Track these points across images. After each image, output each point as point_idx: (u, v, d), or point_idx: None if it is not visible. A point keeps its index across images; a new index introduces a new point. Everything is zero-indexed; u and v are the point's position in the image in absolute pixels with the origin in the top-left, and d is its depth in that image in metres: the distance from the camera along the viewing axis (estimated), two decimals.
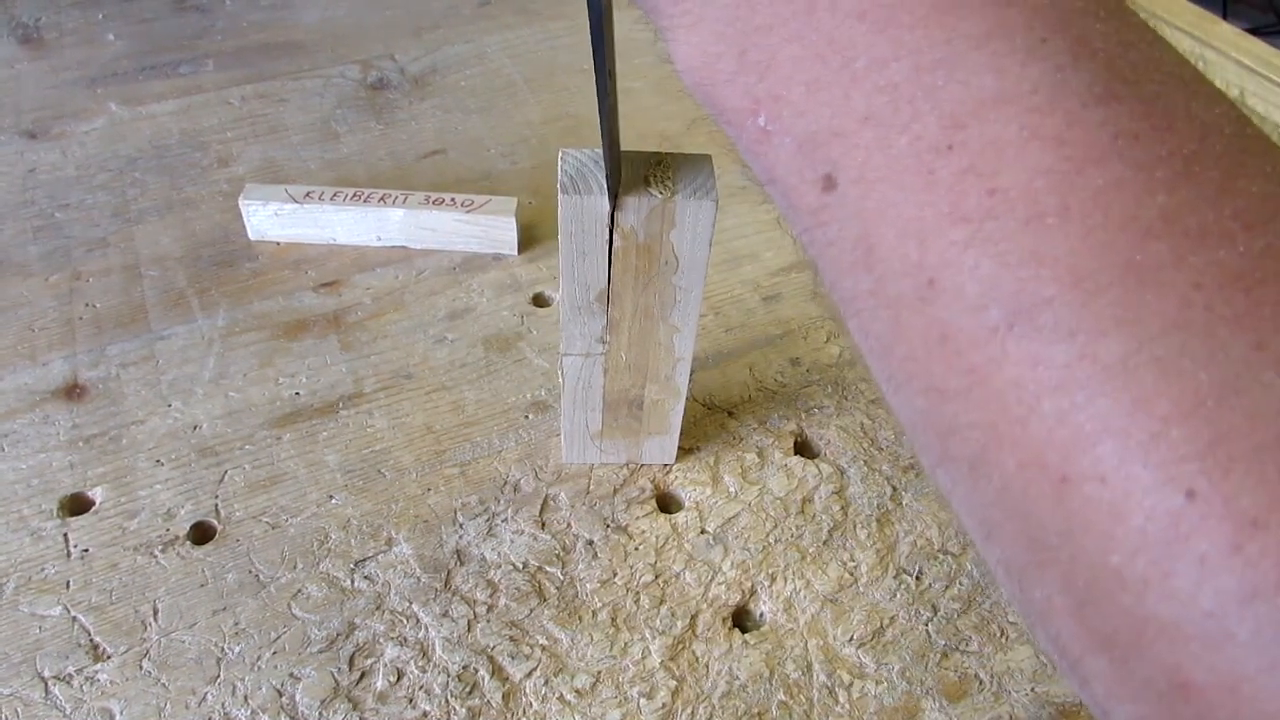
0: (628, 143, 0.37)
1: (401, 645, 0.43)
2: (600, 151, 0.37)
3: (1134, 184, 0.17)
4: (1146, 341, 0.16)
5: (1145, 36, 0.19)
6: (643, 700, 0.42)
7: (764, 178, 0.23)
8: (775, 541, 0.47)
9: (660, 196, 0.37)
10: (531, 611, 0.44)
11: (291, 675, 0.42)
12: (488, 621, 0.44)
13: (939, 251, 0.18)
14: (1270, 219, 0.16)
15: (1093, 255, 0.17)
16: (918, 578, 0.47)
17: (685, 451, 0.51)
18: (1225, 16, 0.93)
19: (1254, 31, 0.88)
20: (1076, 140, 0.17)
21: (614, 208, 0.37)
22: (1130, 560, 0.16)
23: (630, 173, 0.37)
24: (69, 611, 0.43)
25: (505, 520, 0.48)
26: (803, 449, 0.52)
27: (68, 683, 0.41)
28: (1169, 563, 0.16)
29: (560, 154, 0.38)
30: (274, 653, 0.42)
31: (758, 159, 0.22)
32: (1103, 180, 0.17)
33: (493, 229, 0.61)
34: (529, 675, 0.42)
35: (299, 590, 0.45)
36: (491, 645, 0.43)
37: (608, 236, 0.38)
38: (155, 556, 0.45)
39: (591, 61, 0.32)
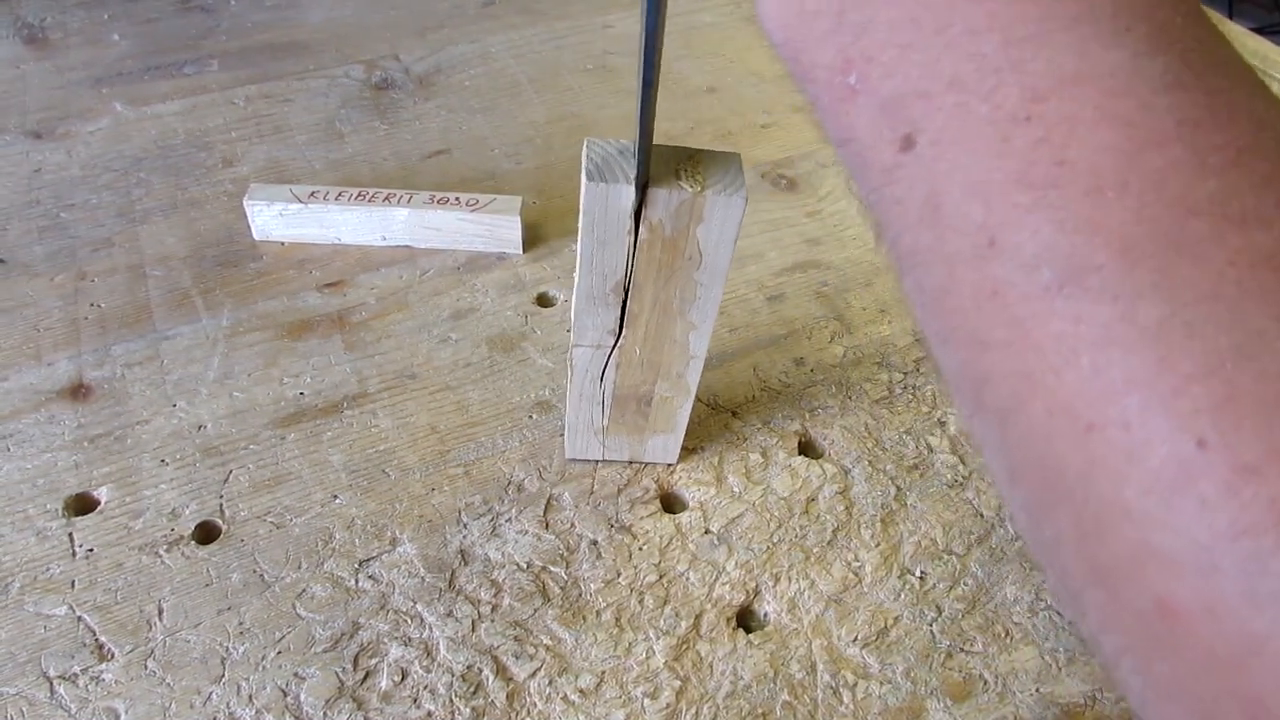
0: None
1: (406, 645, 0.43)
2: (628, 144, 0.37)
3: (1188, 167, 0.18)
4: (1180, 308, 0.18)
5: (1216, 36, 0.20)
6: (647, 700, 0.42)
7: (841, 136, 0.24)
8: (779, 542, 0.47)
9: (691, 191, 0.37)
10: (535, 611, 0.44)
11: (296, 675, 0.42)
12: (492, 621, 0.44)
13: (1003, 213, 0.20)
14: None
15: (1142, 228, 0.18)
16: (922, 578, 0.47)
17: (689, 451, 0.51)
18: (1230, 16, 0.93)
19: (1259, 31, 0.88)
20: (1144, 123, 0.19)
21: (641, 200, 0.37)
22: (1141, 497, 0.18)
23: (661, 166, 0.37)
24: (74, 611, 0.43)
25: (509, 520, 0.48)
26: (807, 449, 0.52)
27: (73, 682, 0.41)
28: (1174, 499, 0.18)
29: (586, 142, 0.38)
30: (278, 652, 0.42)
31: (839, 117, 0.23)
32: (1161, 161, 0.18)
33: (497, 228, 0.61)
34: (533, 675, 0.42)
35: (303, 590, 0.45)
36: (495, 645, 0.43)
37: (630, 226, 0.38)
38: (160, 556, 0.46)
39: (638, 64, 0.32)
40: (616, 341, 0.43)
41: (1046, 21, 0.20)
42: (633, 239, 0.38)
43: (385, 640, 0.43)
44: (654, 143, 0.37)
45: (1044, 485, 0.21)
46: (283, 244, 0.62)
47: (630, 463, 0.50)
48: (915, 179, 0.22)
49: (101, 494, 0.48)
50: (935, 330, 0.23)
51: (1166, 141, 0.19)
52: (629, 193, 0.37)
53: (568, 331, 0.47)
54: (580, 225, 0.38)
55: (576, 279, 0.41)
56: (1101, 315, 0.19)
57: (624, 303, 0.41)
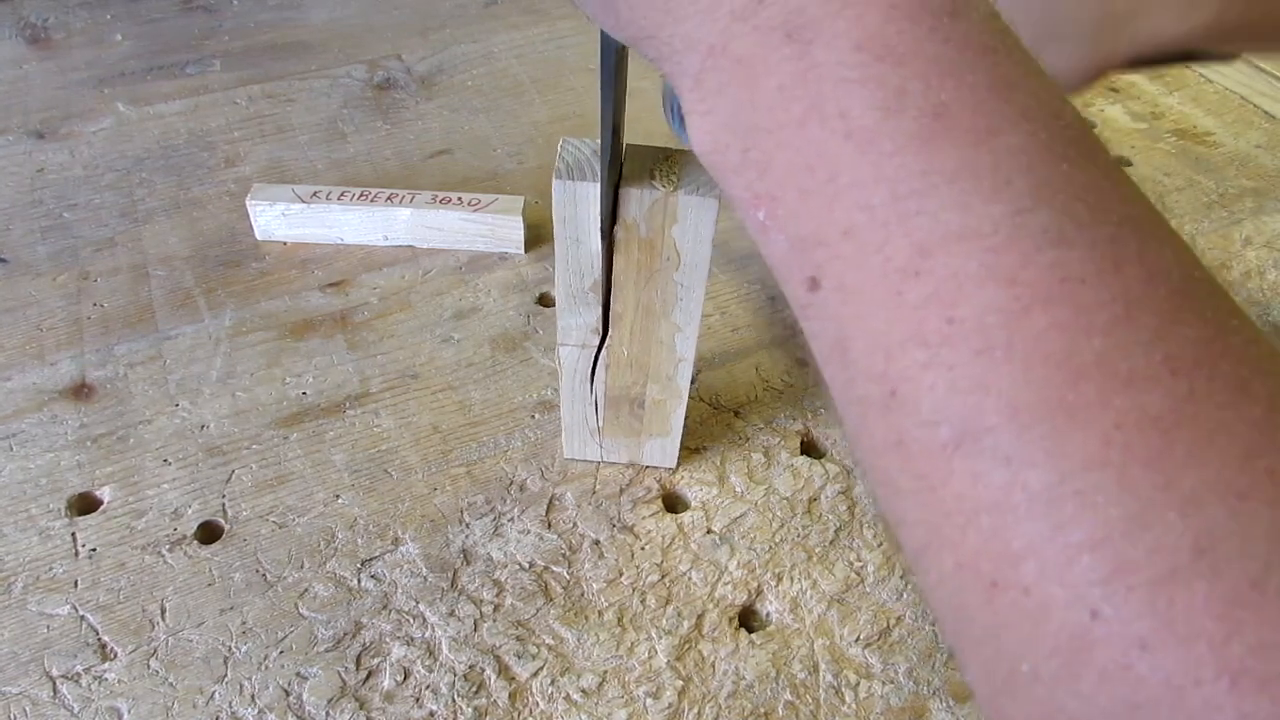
0: (635, 141, 0.37)
1: (408, 645, 0.43)
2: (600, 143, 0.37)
3: (1074, 327, 0.18)
4: (1069, 475, 0.18)
5: (1110, 178, 0.20)
6: (649, 700, 0.42)
7: (767, 262, 0.24)
8: (782, 541, 0.47)
9: (663, 190, 0.37)
10: (538, 611, 0.44)
11: (298, 674, 0.42)
12: (494, 621, 0.44)
13: (901, 367, 0.20)
14: (1197, 364, 0.18)
15: (1030, 390, 0.18)
16: None
17: (691, 451, 0.51)
18: None
19: None
20: (1027, 280, 0.19)
21: (616, 199, 0.37)
22: (1045, 661, 0.18)
23: (636, 165, 0.38)
24: (77, 611, 0.44)
25: (512, 520, 0.48)
26: (809, 449, 0.52)
27: (75, 682, 0.41)
28: (1076, 668, 0.18)
29: (561, 142, 0.38)
30: (281, 652, 0.42)
31: (760, 247, 0.24)
32: (1046, 322, 0.18)
33: (499, 228, 0.61)
34: (535, 675, 0.42)
35: (306, 590, 0.45)
36: (498, 645, 0.43)
37: (600, 223, 0.38)
38: (163, 556, 0.46)
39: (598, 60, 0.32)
40: (602, 341, 0.43)
41: (929, 175, 0.20)
42: (603, 237, 0.39)
43: (388, 640, 0.43)
44: (633, 143, 0.37)
45: (958, 634, 0.21)
46: (285, 244, 0.62)
47: (632, 462, 0.50)
48: (825, 319, 0.22)
49: (104, 494, 0.48)
50: (855, 460, 0.23)
51: (1051, 300, 0.18)
52: (595, 191, 0.37)
53: None
54: (554, 224, 0.38)
55: (556, 278, 0.41)
56: (996, 478, 0.19)
57: (606, 302, 0.41)
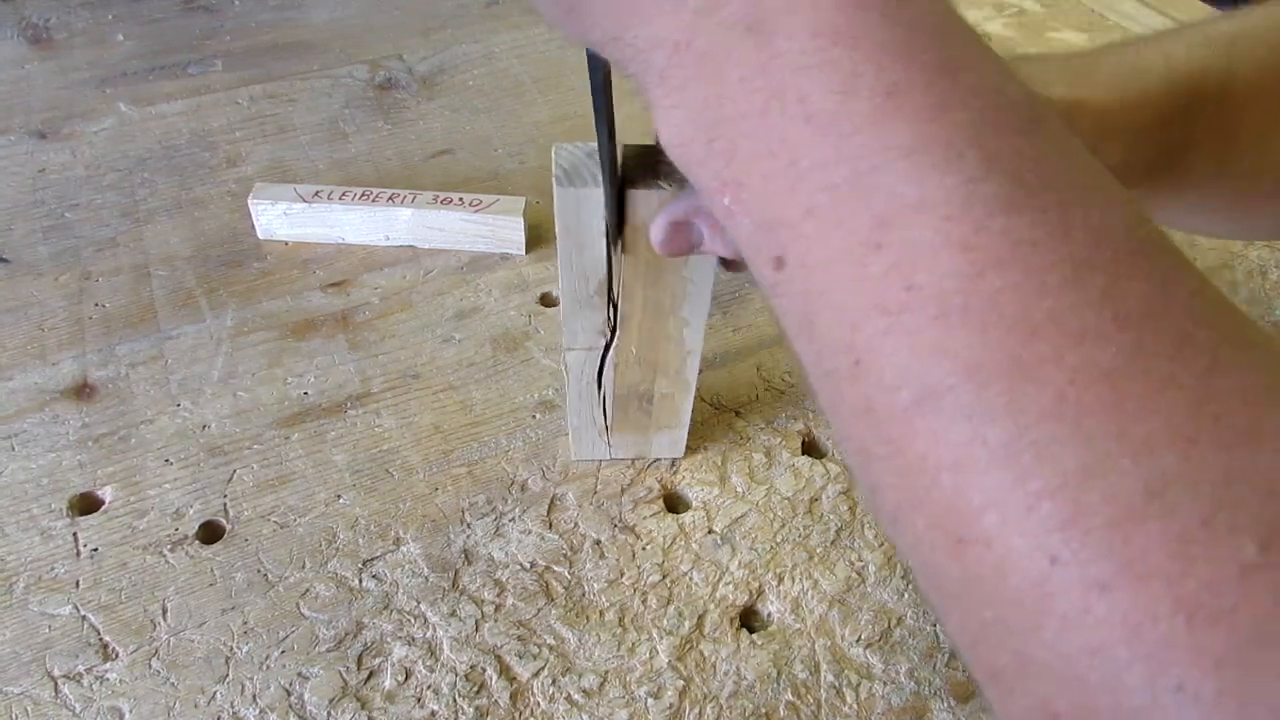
0: (634, 140, 0.37)
1: (409, 645, 0.43)
2: (594, 146, 0.37)
3: (1026, 288, 0.19)
4: (1026, 429, 0.19)
5: (1059, 147, 0.21)
6: (650, 700, 0.42)
7: (737, 248, 0.25)
8: (783, 541, 0.47)
9: (670, 189, 0.37)
10: (539, 611, 0.44)
11: (300, 674, 0.42)
12: (495, 621, 0.44)
13: (865, 336, 0.21)
14: (1145, 319, 0.19)
15: (987, 351, 0.19)
16: None
17: (693, 451, 0.51)
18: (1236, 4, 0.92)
19: None
20: (981, 246, 0.20)
21: (621, 201, 0.37)
22: (1011, 611, 0.19)
23: (637, 166, 0.37)
24: (78, 610, 0.44)
25: (513, 520, 0.48)
26: (810, 449, 0.52)
27: (77, 681, 0.41)
28: (1039, 617, 0.19)
29: (554, 148, 0.38)
30: (282, 652, 0.42)
31: (729, 230, 0.25)
32: (1000, 283, 0.19)
33: (500, 228, 0.61)
34: (536, 675, 0.42)
35: (307, 590, 0.45)
36: (499, 645, 0.43)
37: (604, 228, 0.38)
38: (164, 556, 0.46)
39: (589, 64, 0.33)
40: (609, 343, 0.43)
41: (887, 152, 0.21)
42: (610, 241, 0.38)
43: (389, 640, 0.43)
44: (629, 143, 0.37)
45: (935, 590, 0.22)
46: (286, 244, 0.62)
47: (634, 461, 0.50)
48: (792, 296, 0.23)
49: (106, 494, 0.48)
50: (834, 434, 0.24)
51: (1004, 263, 0.19)
52: (598, 195, 0.37)
53: None
54: (556, 230, 0.38)
55: (560, 284, 0.41)
56: (956, 435, 0.20)
57: (613, 304, 0.41)
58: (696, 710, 0.41)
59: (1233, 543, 0.17)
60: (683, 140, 0.24)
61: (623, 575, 0.46)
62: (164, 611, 0.44)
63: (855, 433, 0.22)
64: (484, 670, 0.42)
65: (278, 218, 0.61)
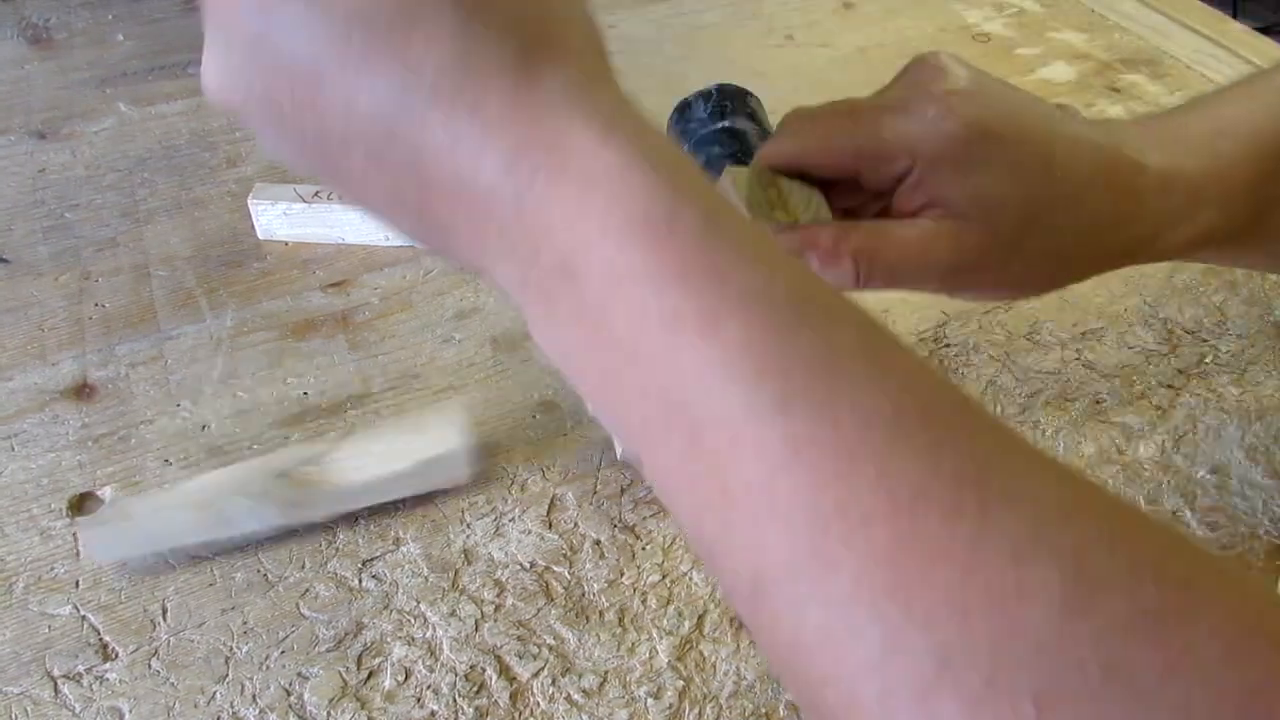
0: None
1: (409, 645, 0.43)
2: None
3: (810, 486, 0.21)
4: (838, 614, 0.21)
5: (823, 336, 0.23)
6: (650, 700, 0.42)
7: None
8: None
9: (783, 221, 0.37)
10: (539, 611, 0.44)
11: (300, 674, 0.42)
12: (495, 621, 0.44)
13: (709, 531, 0.23)
14: (915, 498, 0.21)
15: (795, 544, 0.21)
16: None
17: None
18: (1235, 15, 0.92)
19: (1265, 30, 0.88)
20: (767, 452, 0.22)
21: None
22: None
23: (756, 193, 0.38)
24: (78, 611, 0.44)
25: (513, 520, 0.48)
26: None
27: (77, 682, 0.41)
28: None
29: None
30: (282, 652, 0.42)
31: None
32: (789, 484, 0.21)
33: None
34: (536, 675, 0.42)
35: (307, 589, 0.45)
36: (499, 645, 0.43)
37: None
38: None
39: None
40: None
41: (682, 374, 0.23)
42: None
43: (389, 640, 0.43)
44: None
45: None
46: (286, 244, 0.62)
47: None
48: (656, 490, 0.26)
49: (105, 494, 0.48)
50: None
51: (789, 465, 0.21)
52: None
53: None
54: None
55: None
56: (787, 622, 0.22)
57: None
58: (696, 710, 0.41)
59: (1012, 702, 0.19)
60: (551, 355, 0.26)
61: (622, 575, 0.46)
62: (164, 611, 0.44)
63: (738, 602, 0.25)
64: (484, 670, 0.42)
65: (278, 218, 0.61)
